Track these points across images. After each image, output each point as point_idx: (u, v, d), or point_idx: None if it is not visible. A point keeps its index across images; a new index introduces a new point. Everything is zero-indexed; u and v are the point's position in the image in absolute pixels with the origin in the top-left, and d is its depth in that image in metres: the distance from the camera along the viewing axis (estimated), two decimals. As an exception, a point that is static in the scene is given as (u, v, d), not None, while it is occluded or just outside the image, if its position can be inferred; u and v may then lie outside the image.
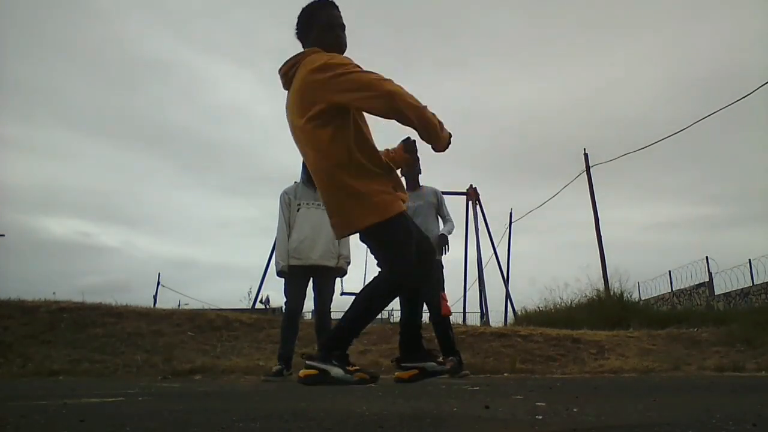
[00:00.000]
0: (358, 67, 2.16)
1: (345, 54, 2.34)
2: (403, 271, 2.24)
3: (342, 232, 2.38)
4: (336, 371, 2.21)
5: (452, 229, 4.44)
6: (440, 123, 2.24)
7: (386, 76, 2.17)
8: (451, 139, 2.32)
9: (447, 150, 2.31)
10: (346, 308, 2.40)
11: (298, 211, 4.11)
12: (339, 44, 2.36)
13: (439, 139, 2.24)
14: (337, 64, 2.15)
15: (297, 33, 2.45)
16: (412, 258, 2.23)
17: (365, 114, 2.30)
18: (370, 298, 2.28)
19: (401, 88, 2.17)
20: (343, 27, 2.41)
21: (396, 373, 2.70)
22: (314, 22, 2.39)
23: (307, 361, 2.24)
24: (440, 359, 2.54)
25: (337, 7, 2.44)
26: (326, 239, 4.06)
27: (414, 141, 2.62)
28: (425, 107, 2.18)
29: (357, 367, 2.36)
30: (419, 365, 2.49)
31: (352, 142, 2.20)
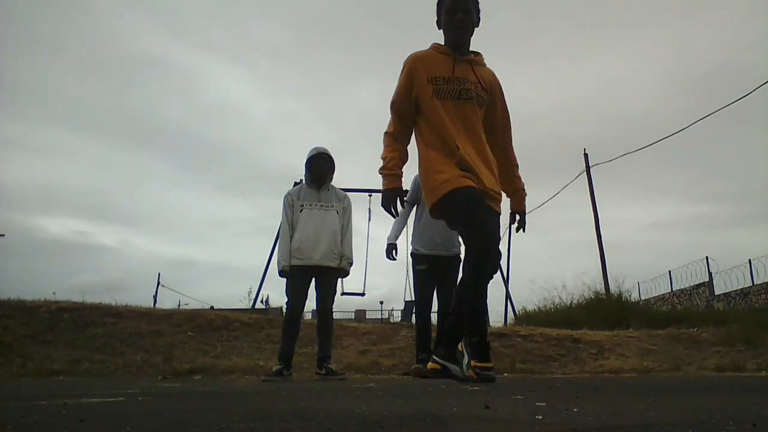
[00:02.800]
0: None
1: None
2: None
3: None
4: (455, 369, 2.53)
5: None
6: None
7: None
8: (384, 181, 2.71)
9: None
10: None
11: (300, 212, 4.15)
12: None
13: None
14: None
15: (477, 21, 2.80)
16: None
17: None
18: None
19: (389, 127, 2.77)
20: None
21: (429, 363, 2.76)
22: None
23: (433, 356, 2.58)
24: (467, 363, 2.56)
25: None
26: (328, 240, 4.09)
27: None
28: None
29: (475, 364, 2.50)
30: (444, 364, 2.56)
31: None
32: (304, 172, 4.26)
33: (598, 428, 1.02)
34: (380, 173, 2.70)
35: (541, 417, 1.18)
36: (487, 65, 2.85)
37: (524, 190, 3.00)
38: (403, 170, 2.73)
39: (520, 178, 2.98)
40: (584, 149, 14.96)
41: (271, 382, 3.74)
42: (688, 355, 5.80)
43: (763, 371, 4.88)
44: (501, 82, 2.86)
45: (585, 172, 14.74)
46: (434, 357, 2.67)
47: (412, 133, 2.79)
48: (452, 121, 2.63)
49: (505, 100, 2.88)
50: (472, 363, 2.51)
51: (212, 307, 12.43)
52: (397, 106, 2.74)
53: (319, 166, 4.19)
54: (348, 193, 4.52)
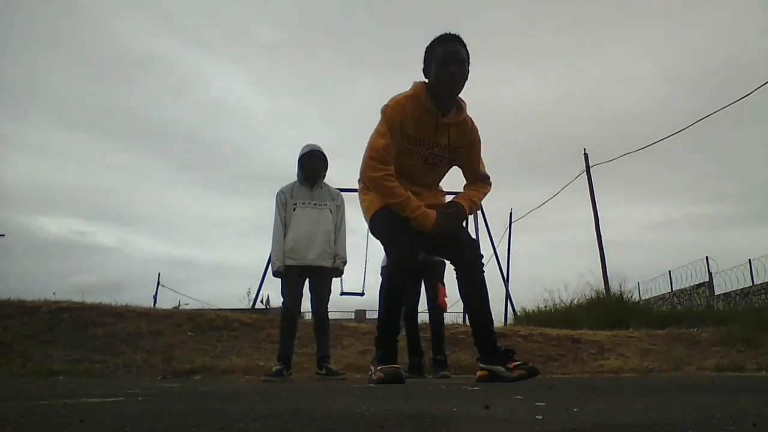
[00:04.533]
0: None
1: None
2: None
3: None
4: (500, 370, 2.58)
5: None
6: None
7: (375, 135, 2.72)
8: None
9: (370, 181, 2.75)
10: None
11: (294, 210, 4.11)
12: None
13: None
14: None
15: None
16: None
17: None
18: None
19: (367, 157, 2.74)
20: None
21: (477, 372, 2.80)
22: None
23: (480, 364, 2.68)
24: (511, 365, 2.58)
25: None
26: (322, 239, 4.06)
27: None
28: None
29: (518, 362, 2.62)
30: (491, 368, 2.60)
31: None
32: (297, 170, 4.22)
33: (598, 428, 1.02)
34: (412, 216, 2.69)
35: (541, 417, 1.18)
36: (467, 114, 2.83)
37: (475, 202, 2.97)
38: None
39: (481, 189, 3.00)
40: (584, 149, 14.95)
41: (271, 382, 3.75)
42: (688, 355, 5.80)
43: (763, 371, 4.87)
44: (477, 131, 2.88)
45: (585, 172, 14.73)
46: (481, 364, 2.72)
47: None
48: (407, 177, 2.79)
49: (479, 150, 2.93)
50: (511, 365, 2.61)
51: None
52: (383, 154, 2.67)
53: (312, 164, 4.14)
54: (344, 192, 4.50)
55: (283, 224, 4.11)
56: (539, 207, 15.51)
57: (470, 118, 2.84)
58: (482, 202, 3.06)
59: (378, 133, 2.68)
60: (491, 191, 3.05)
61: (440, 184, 3.07)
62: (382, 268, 4.51)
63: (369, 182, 2.75)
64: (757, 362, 5.26)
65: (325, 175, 4.25)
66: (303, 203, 4.13)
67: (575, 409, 1.32)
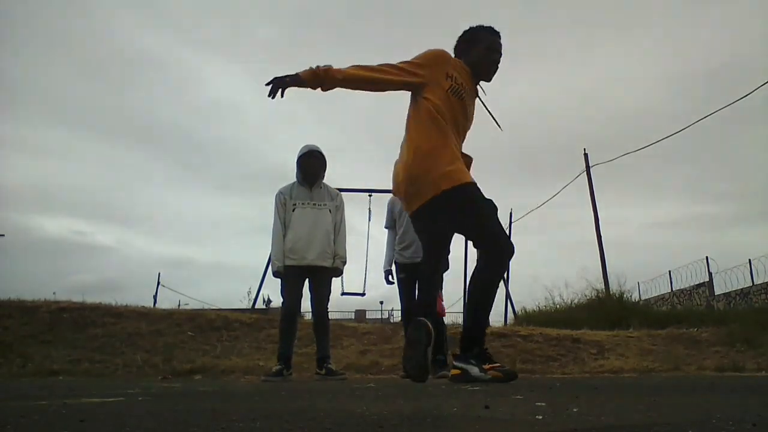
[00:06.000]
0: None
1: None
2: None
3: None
4: (473, 370, 2.58)
5: None
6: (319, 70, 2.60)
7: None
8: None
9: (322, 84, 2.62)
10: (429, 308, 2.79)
11: (293, 210, 4.11)
12: None
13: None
14: None
15: None
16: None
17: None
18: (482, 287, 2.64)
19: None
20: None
21: (451, 371, 2.81)
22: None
23: (454, 362, 2.66)
24: (486, 366, 2.59)
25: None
26: (322, 239, 4.06)
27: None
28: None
29: (496, 365, 2.62)
30: (464, 367, 2.60)
31: None
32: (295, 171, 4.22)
33: (598, 428, 1.02)
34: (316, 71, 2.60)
35: (541, 417, 1.18)
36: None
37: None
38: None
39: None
40: (584, 149, 14.95)
41: (271, 382, 3.74)
42: (688, 355, 5.80)
43: (763, 371, 4.87)
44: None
45: (585, 172, 14.73)
46: (455, 362, 2.72)
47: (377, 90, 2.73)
48: (453, 117, 2.74)
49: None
50: (487, 367, 2.58)
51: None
52: (410, 71, 2.65)
53: (311, 164, 4.14)
54: (347, 193, 4.52)
55: (283, 224, 4.11)
56: (539, 207, 15.53)
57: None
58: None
59: (423, 58, 2.70)
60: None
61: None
62: (386, 272, 4.56)
63: (371, 75, 2.62)
64: (757, 362, 5.26)
65: (324, 176, 4.25)
66: (302, 203, 4.13)
67: (575, 409, 1.32)
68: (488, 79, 2.92)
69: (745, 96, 10.32)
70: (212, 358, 5.18)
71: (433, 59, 2.74)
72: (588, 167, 14.75)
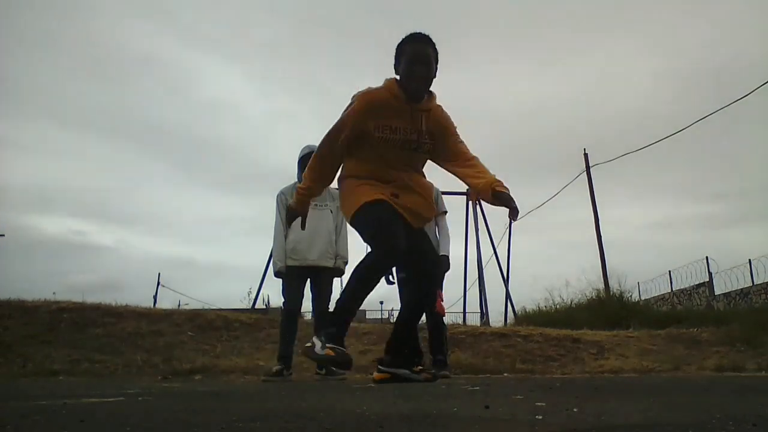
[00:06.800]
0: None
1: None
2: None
3: None
4: (404, 373, 2.72)
5: (449, 244, 4.41)
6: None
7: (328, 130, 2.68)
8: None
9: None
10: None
11: None
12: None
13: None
14: None
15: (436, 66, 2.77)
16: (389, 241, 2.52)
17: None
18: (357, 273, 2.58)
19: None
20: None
21: (374, 373, 2.94)
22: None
23: (379, 365, 2.74)
24: (417, 368, 2.68)
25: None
26: (323, 240, 4.07)
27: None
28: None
29: (421, 368, 2.83)
30: (392, 371, 2.68)
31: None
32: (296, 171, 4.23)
33: (598, 428, 1.02)
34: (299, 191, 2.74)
35: (541, 417, 1.18)
36: (438, 104, 2.82)
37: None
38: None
39: (478, 163, 2.82)
40: (584, 149, 14.96)
41: (271, 382, 3.75)
42: (688, 355, 5.80)
43: (763, 371, 4.87)
44: (449, 117, 2.84)
45: (585, 172, 14.73)
46: (380, 366, 2.83)
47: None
48: (387, 163, 2.68)
49: (455, 132, 2.84)
50: (416, 369, 2.81)
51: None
52: (332, 142, 2.67)
53: None
54: None
55: (284, 225, 4.11)
56: (539, 207, 15.52)
57: (441, 107, 2.83)
58: (479, 199, 3.07)
59: (347, 114, 2.65)
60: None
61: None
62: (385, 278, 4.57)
63: (318, 153, 2.70)
64: (757, 362, 5.26)
65: None
66: None
67: (575, 409, 1.32)
68: (416, 99, 2.66)
69: (744, 96, 10.33)
70: (212, 358, 5.18)
71: (352, 118, 2.64)
72: (588, 167, 14.75)
